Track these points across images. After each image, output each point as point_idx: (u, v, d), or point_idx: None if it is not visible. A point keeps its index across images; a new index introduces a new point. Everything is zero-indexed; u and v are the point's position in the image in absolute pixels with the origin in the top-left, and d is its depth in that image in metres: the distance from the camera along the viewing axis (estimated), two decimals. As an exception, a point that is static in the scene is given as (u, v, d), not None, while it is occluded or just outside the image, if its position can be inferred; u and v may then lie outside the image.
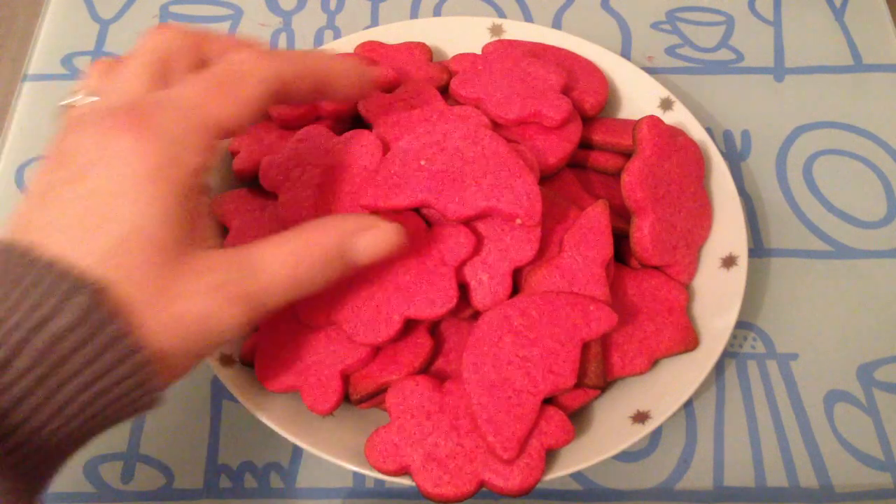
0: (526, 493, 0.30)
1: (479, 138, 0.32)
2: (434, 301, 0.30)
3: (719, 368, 0.38)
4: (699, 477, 0.35)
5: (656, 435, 0.36)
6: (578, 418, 0.33)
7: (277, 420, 0.32)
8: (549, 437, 0.30)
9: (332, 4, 0.49)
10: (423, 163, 0.31)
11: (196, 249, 0.23)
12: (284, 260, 0.24)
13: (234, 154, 0.38)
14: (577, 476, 0.35)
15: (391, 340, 0.31)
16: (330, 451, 0.31)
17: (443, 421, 0.30)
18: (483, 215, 0.32)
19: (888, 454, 0.36)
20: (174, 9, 0.49)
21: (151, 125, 0.22)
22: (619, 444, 0.31)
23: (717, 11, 0.49)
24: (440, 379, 0.32)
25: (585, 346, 0.31)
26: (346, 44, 0.42)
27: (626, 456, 0.36)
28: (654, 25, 0.48)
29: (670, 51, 0.47)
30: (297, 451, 0.36)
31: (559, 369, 0.30)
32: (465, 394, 0.30)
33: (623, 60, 0.41)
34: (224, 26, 0.48)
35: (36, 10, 0.49)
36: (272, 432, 0.32)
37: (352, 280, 0.31)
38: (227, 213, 0.36)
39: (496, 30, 0.42)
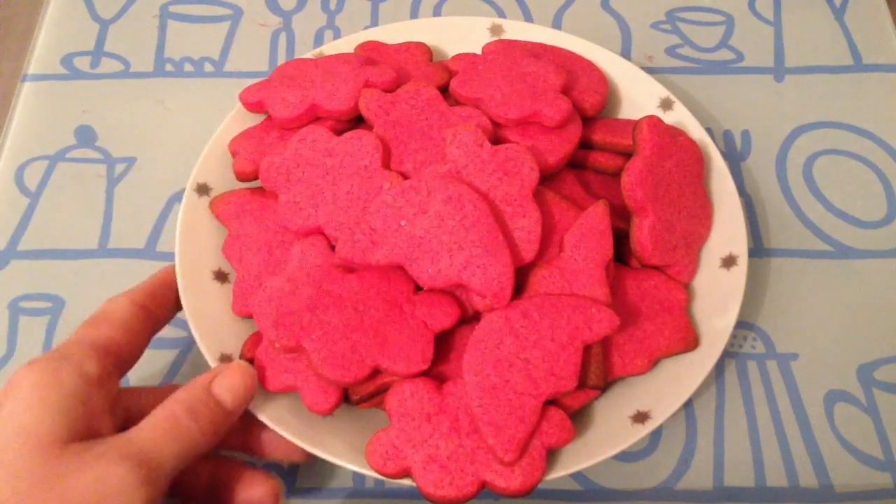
0: (528, 493, 0.30)
1: (462, 204, 0.31)
2: (410, 359, 0.31)
3: (719, 368, 0.38)
4: (699, 477, 0.35)
5: (656, 435, 0.36)
6: (578, 418, 0.33)
7: (277, 420, 0.32)
8: (549, 437, 0.30)
9: (332, 4, 0.49)
10: (403, 223, 0.31)
11: (85, 441, 0.26)
12: (158, 415, 0.28)
13: (234, 154, 0.38)
14: (577, 476, 0.35)
15: (356, 384, 0.31)
16: (330, 451, 0.31)
17: (443, 422, 0.30)
18: (454, 287, 0.32)
19: (888, 454, 0.36)
20: (174, 9, 0.49)
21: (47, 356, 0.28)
22: (619, 444, 0.31)
23: (717, 11, 0.49)
24: (440, 380, 0.32)
25: (586, 347, 0.31)
26: (346, 44, 0.42)
27: (626, 456, 0.36)
28: (654, 25, 0.48)
29: (670, 51, 0.47)
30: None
31: (560, 372, 0.30)
32: (466, 395, 0.30)
33: (623, 60, 0.41)
34: (224, 26, 0.48)
35: (36, 10, 0.49)
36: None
37: (329, 312, 0.31)
38: (227, 214, 0.36)
39: (496, 30, 0.42)
